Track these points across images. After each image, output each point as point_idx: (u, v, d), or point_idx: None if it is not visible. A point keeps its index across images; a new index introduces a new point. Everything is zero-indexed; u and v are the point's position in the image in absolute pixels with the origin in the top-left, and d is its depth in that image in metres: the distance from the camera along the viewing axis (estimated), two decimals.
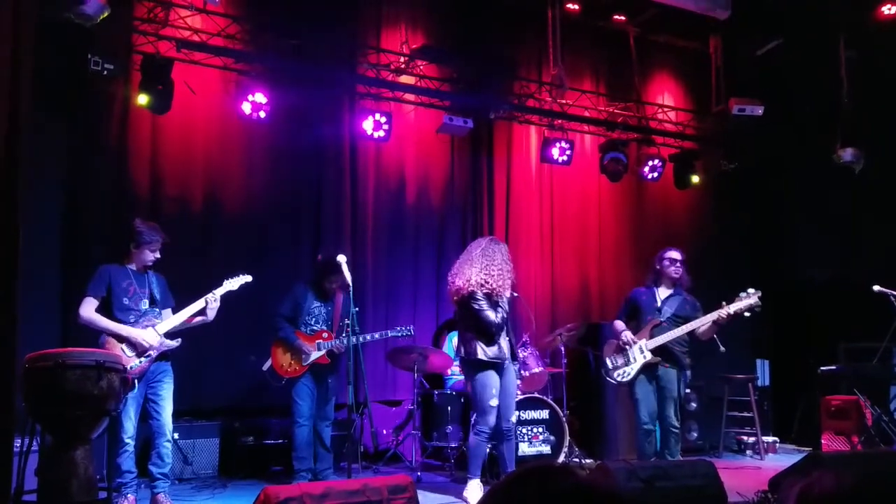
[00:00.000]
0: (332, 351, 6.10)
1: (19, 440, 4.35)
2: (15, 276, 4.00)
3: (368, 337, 6.15)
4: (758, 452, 8.26)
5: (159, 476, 5.31)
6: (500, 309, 5.68)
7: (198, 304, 5.48)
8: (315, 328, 6.16)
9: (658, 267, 6.28)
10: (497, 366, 5.71)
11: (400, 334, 6.35)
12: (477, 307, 5.67)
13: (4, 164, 4.25)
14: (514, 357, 5.95)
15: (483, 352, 5.68)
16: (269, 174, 7.57)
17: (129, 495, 5.21)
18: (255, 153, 7.54)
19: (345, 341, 5.96)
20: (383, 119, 7.65)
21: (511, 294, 5.81)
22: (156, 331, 5.32)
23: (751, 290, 5.85)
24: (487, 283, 5.68)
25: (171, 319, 5.43)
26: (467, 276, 5.76)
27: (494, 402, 5.65)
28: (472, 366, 5.75)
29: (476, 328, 5.73)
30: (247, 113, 7.09)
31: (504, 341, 5.76)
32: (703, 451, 8.17)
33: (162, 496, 5.30)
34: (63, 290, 6.42)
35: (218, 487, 6.22)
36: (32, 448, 4.31)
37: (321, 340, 6.09)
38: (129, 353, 5.18)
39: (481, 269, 5.73)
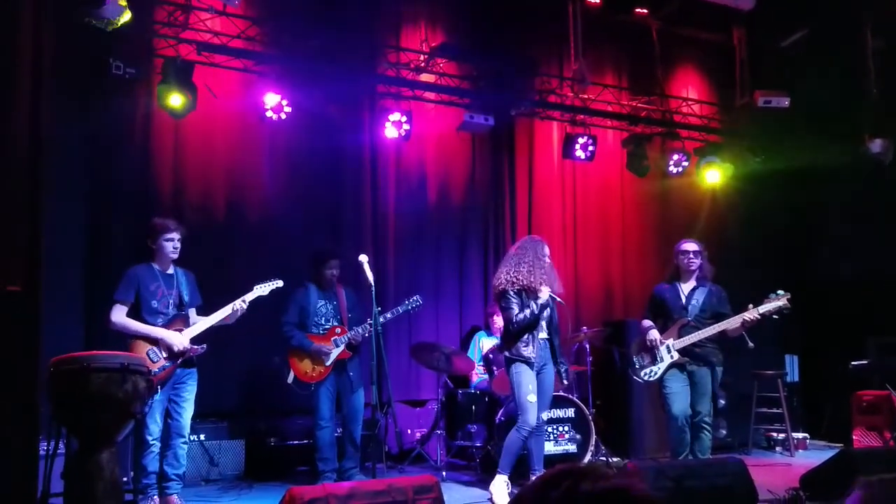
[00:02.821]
0: (351, 343, 6.09)
1: (45, 443, 4.38)
2: (38, 281, 4.03)
3: (381, 319, 6.01)
4: (788, 449, 8.15)
5: (173, 477, 5.33)
6: (528, 308, 5.63)
7: (225, 311, 5.50)
8: (326, 326, 6.16)
9: (676, 261, 6.20)
10: (528, 363, 5.67)
11: (410, 307, 6.34)
12: (504, 304, 5.74)
13: (28, 168, 4.28)
14: (555, 359, 5.89)
15: (507, 349, 5.73)
16: (289, 175, 7.58)
17: (154, 496, 5.23)
18: (275, 154, 7.55)
19: (360, 331, 6.03)
20: (404, 118, 7.63)
21: (551, 297, 5.75)
22: (184, 336, 5.34)
23: (780, 292, 5.77)
24: (518, 280, 5.70)
25: (198, 326, 5.44)
26: (499, 273, 5.88)
27: (532, 398, 5.62)
28: (506, 362, 5.82)
29: (505, 326, 5.83)
30: (267, 114, 7.09)
31: (535, 341, 5.71)
32: (732, 449, 8.08)
33: (175, 498, 5.31)
34: (87, 294, 6.46)
35: (244, 488, 6.24)
36: (58, 451, 4.32)
37: (336, 337, 6.09)
38: (154, 357, 5.20)
39: (512, 268, 5.78)
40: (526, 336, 5.69)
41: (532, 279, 5.68)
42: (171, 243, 5.44)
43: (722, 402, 8.16)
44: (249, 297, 5.57)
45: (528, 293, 5.69)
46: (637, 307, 7.68)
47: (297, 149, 7.58)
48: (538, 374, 5.74)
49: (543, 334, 5.81)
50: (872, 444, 7.49)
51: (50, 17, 4.70)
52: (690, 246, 6.14)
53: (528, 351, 5.67)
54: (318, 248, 6.35)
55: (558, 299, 5.82)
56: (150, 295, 5.34)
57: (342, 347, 6.07)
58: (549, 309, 5.82)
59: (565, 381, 6.18)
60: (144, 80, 6.75)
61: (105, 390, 4.22)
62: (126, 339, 5.25)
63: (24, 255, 4.12)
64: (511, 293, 5.70)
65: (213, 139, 7.32)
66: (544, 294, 5.68)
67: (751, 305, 5.78)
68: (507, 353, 5.74)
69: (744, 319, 5.75)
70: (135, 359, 4.54)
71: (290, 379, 6.08)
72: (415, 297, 6.38)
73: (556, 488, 1.22)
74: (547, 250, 5.90)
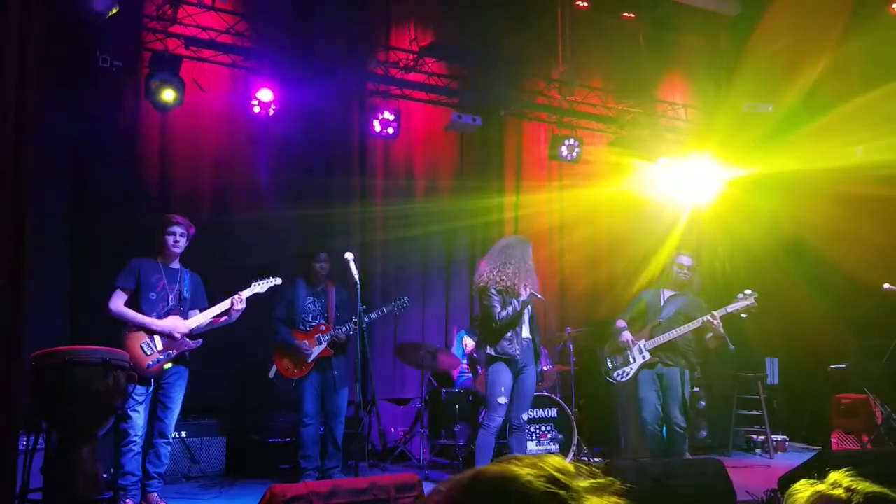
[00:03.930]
0: (334, 341, 6.09)
1: (25, 438, 4.35)
2: (23, 275, 4.01)
3: (367, 318, 6.06)
4: (767, 451, 8.22)
5: (154, 475, 5.29)
6: (510, 307, 5.64)
7: (223, 305, 5.48)
8: (312, 324, 6.16)
9: (668, 270, 6.33)
10: (509, 362, 5.68)
11: (397, 308, 6.34)
12: (486, 302, 5.71)
13: (12, 161, 4.26)
14: (536, 357, 5.91)
15: (491, 347, 5.71)
16: (276, 171, 7.56)
17: (128, 499, 5.12)
18: (263, 150, 7.53)
19: (343, 330, 6.04)
20: (392, 116, 7.64)
21: (532, 294, 5.74)
22: (182, 324, 5.32)
23: (748, 292, 6.03)
24: (502, 280, 5.68)
25: (196, 318, 5.42)
26: (482, 271, 5.83)
27: (503, 400, 5.62)
28: (485, 360, 5.81)
29: (484, 323, 5.80)
30: (255, 110, 7.07)
31: (519, 339, 5.72)
32: (712, 450, 8.13)
33: (155, 496, 5.27)
34: (71, 287, 6.43)
35: (225, 486, 6.22)
36: (38, 446, 4.30)
37: (320, 334, 6.09)
38: (147, 351, 5.17)
39: (497, 266, 5.74)
40: (509, 334, 5.69)
41: (517, 281, 5.68)
42: (172, 237, 5.43)
43: (702, 403, 8.23)
44: (246, 293, 5.56)
45: (509, 293, 5.69)
46: (622, 308, 7.72)
47: (284, 146, 7.57)
48: (520, 373, 5.75)
49: (526, 332, 5.81)
50: (850, 447, 7.57)
51: (37, 9, 4.67)
52: (685, 261, 6.31)
53: (512, 348, 5.67)
54: (307, 244, 6.32)
55: (538, 296, 5.82)
56: (149, 287, 5.33)
57: (324, 345, 6.07)
58: (529, 307, 5.83)
59: (539, 382, 6.21)
60: (132, 73, 6.73)
61: (86, 385, 4.21)
62: (121, 332, 5.21)
63: (8, 249, 4.10)
64: (493, 291, 5.70)
65: (200, 134, 7.30)
66: (525, 292, 5.69)
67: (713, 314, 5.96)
68: (490, 351, 5.73)
69: (709, 317, 5.87)
70: (116, 354, 4.52)
71: (272, 373, 6.09)
72: (403, 299, 6.39)
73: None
74: (531, 252, 5.92)
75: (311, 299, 6.23)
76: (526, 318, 5.81)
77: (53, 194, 6.32)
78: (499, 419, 5.64)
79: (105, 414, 4.39)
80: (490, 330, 5.74)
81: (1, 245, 4.07)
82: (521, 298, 5.65)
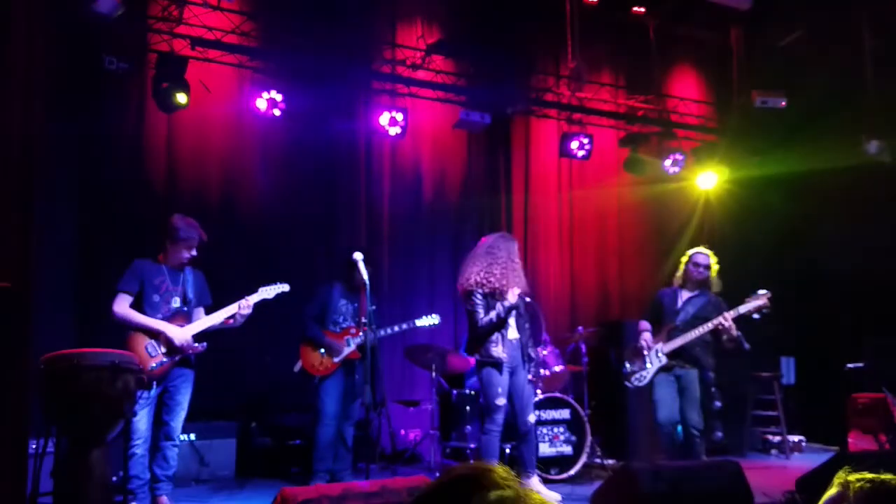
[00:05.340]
0: (363, 345, 6.05)
1: (34, 442, 4.32)
2: (29, 278, 3.97)
3: (397, 328, 6.17)
4: (783, 452, 8.13)
5: (163, 478, 5.23)
6: (494, 312, 5.53)
7: (228, 310, 5.40)
8: (343, 325, 6.13)
9: (685, 268, 6.21)
10: (496, 365, 5.58)
11: (427, 324, 6.30)
12: (469, 307, 5.61)
13: (19, 164, 4.23)
14: (527, 358, 5.80)
15: (477, 352, 5.62)
16: (283, 171, 7.51)
17: (135, 502, 5.08)
18: (269, 150, 7.49)
19: (372, 336, 5.96)
20: (399, 115, 7.57)
21: (520, 298, 5.62)
22: (185, 331, 5.25)
23: (761, 292, 5.87)
24: (489, 282, 5.57)
25: (199, 323, 5.35)
26: (468, 274, 5.70)
27: (501, 401, 5.53)
28: (476, 365, 5.72)
29: (469, 328, 5.70)
30: (262, 110, 7.03)
31: (505, 341, 5.60)
32: (727, 451, 8.03)
33: (165, 499, 5.21)
34: (78, 291, 6.39)
35: (235, 488, 6.18)
36: (48, 450, 4.26)
37: (349, 336, 6.05)
38: (152, 353, 5.11)
39: (483, 268, 5.63)
40: (494, 336, 5.58)
41: (505, 282, 5.56)
42: (191, 251, 5.36)
43: (718, 403, 8.12)
44: (253, 298, 5.48)
45: (495, 296, 5.58)
46: (633, 307, 7.65)
47: (291, 145, 7.52)
48: (512, 375, 5.63)
49: (514, 333, 5.70)
50: (868, 447, 7.47)
51: (42, 13, 4.64)
52: (702, 258, 6.16)
53: (497, 351, 5.55)
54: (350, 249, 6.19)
55: (526, 298, 5.70)
56: (153, 289, 5.25)
57: (353, 347, 6.03)
58: (515, 310, 5.70)
59: (532, 378, 6.14)
60: (138, 75, 6.70)
61: (96, 388, 4.17)
62: (124, 333, 5.13)
63: (15, 252, 4.07)
64: (478, 295, 5.58)
65: (206, 134, 7.27)
66: (512, 296, 5.55)
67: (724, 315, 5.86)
68: (477, 356, 5.63)
69: (721, 319, 5.77)
70: (125, 357, 4.47)
71: (297, 368, 6.05)
72: (433, 316, 6.39)
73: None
74: (517, 250, 5.79)
75: (345, 301, 6.19)
76: (512, 320, 5.69)
77: (60, 196, 6.29)
78: (500, 419, 5.53)
79: (115, 417, 4.34)
80: (475, 334, 5.63)
81: (7, 247, 4.04)
82: (506, 303, 5.54)
